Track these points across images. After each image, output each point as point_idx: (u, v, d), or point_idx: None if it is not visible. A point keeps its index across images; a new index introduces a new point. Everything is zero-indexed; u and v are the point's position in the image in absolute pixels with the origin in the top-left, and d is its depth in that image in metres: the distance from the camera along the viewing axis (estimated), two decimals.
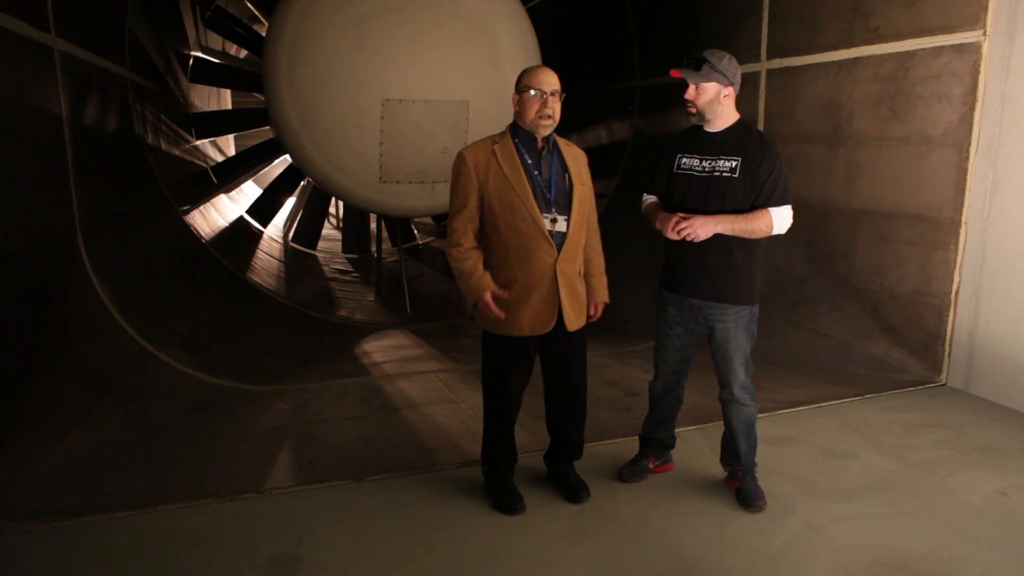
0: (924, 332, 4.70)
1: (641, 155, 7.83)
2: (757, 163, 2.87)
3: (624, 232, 5.83)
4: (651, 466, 3.36)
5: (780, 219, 2.89)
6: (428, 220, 9.83)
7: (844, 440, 3.76)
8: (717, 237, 2.87)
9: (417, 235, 9.85)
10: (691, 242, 2.87)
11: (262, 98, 6.47)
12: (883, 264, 4.95)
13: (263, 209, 7.76)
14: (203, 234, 6.67)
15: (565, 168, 2.95)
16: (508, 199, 2.85)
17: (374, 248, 8.35)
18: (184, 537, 2.84)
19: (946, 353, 4.57)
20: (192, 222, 6.52)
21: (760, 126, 5.81)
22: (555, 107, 2.86)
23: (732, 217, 2.86)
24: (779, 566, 2.67)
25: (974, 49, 4.30)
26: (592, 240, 3.10)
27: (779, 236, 2.98)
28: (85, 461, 3.42)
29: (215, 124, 8.29)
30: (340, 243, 9.04)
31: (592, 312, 3.10)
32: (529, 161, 2.90)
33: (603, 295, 3.12)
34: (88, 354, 4.10)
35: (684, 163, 3.01)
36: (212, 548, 2.77)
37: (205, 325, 5.49)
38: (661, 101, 7.55)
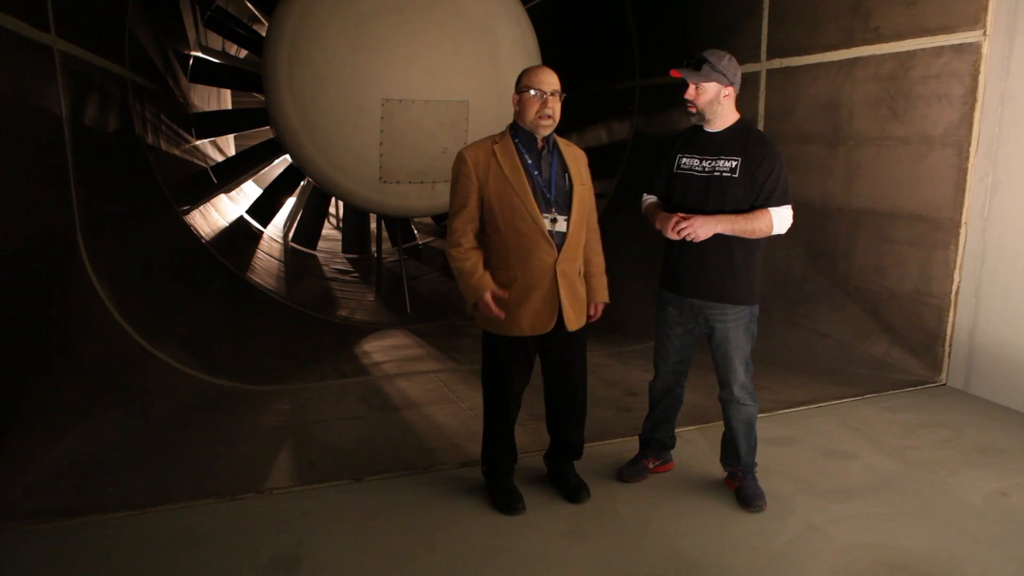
0: (924, 332, 4.70)
1: (641, 155, 7.83)
2: (757, 163, 2.87)
3: (624, 232, 5.83)
4: (651, 466, 3.36)
5: (780, 219, 2.89)
6: (428, 220, 9.84)
7: (844, 440, 3.76)
8: (717, 237, 2.87)
9: (417, 235, 9.85)
10: (691, 242, 2.87)
11: (262, 98, 6.47)
12: (883, 264, 4.95)
13: (263, 209, 7.76)
14: (203, 234, 6.67)
15: (565, 168, 2.95)
16: (508, 199, 2.85)
17: (374, 248, 8.35)
18: (184, 537, 2.84)
19: (946, 353, 4.57)
20: (192, 222, 6.52)
21: (760, 126, 5.81)
22: (555, 107, 2.86)
23: (732, 217, 2.86)
24: (779, 566, 2.67)
25: (974, 49, 4.30)
26: (592, 240, 3.10)
27: (779, 236, 2.98)
28: (85, 461, 3.42)
29: (215, 124, 8.29)
30: (340, 243, 9.04)
31: (592, 312, 3.10)
32: (529, 161, 2.90)
33: (603, 295, 3.12)
34: (88, 354, 4.10)
35: (684, 163, 3.01)
36: (212, 548, 2.77)
37: (205, 325, 5.49)
38: (661, 101, 7.55)
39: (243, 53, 9.44)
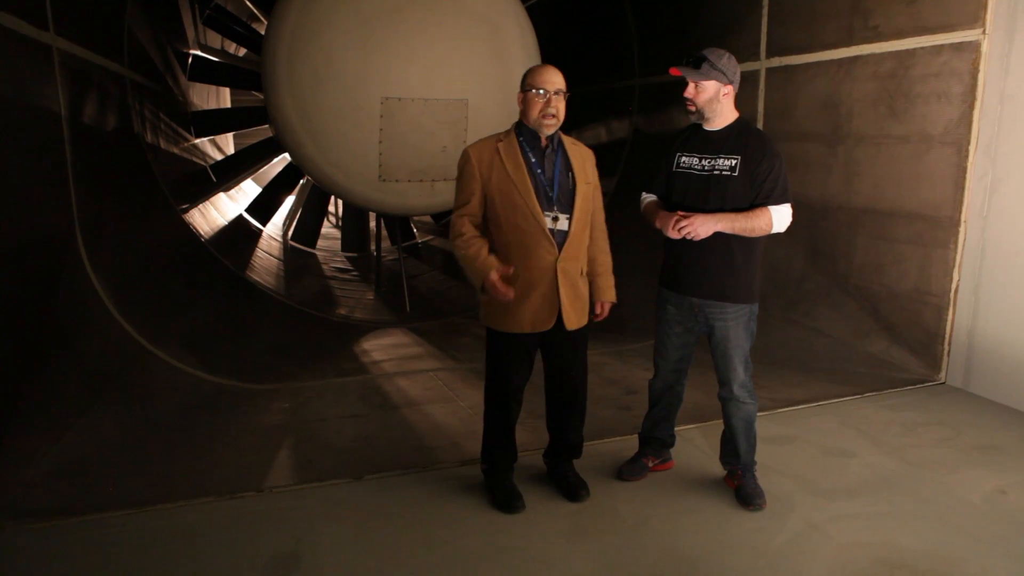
0: (923, 331, 4.70)
1: (641, 154, 7.83)
2: (757, 162, 2.87)
3: (624, 231, 5.82)
4: (650, 464, 3.36)
5: (780, 217, 2.89)
6: (427, 219, 9.84)
7: (843, 439, 3.76)
8: (717, 235, 2.87)
9: (416, 234, 9.85)
10: (691, 241, 2.87)
11: (261, 96, 6.46)
12: (882, 263, 4.95)
13: (262, 208, 7.76)
14: (202, 233, 6.67)
15: (569, 167, 2.96)
16: (510, 197, 2.86)
17: (373, 247, 8.35)
18: (184, 536, 2.84)
19: (945, 352, 4.57)
20: (191, 221, 6.51)
21: (759, 125, 5.81)
22: (559, 106, 2.87)
23: (732, 215, 2.86)
24: (778, 565, 2.67)
25: (973, 48, 4.30)
26: (599, 239, 3.10)
27: (778, 235, 2.98)
28: (85, 460, 3.42)
29: (214, 122, 8.28)
30: (339, 241, 9.05)
31: (599, 311, 3.10)
32: (533, 159, 2.90)
33: (610, 294, 3.11)
34: (87, 353, 4.10)
35: (683, 162, 3.01)
36: (211, 547, 2.77)
37: (204, 324, 5.49)
38: (661, 100, 7.55)
39: (242, 51, 9.43)
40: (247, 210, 7.90)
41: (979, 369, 4.40)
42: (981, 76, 4.28)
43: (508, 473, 3.16)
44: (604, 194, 3.18)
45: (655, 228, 3.01)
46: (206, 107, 8.80)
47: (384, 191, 6.03)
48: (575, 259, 2.95)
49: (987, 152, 4.30)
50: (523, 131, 2.94)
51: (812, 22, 5.36)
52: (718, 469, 3.34)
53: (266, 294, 6.71)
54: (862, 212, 5.08)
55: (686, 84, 2.92)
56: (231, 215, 8.30)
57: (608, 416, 4.14)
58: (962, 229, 4.45)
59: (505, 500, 3.05)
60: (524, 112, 2.92)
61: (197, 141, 7.97)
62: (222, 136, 10.62)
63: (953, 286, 4.52)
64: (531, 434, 3.64)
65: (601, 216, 3.11)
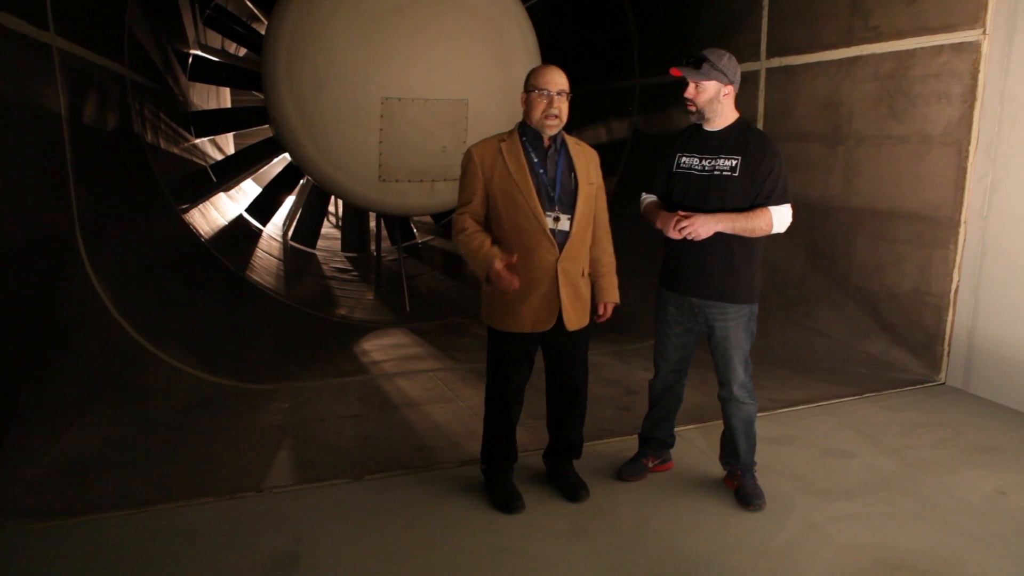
0: (923, 331, 4.70)
1: (641, 154, 7.83)
2: (757, 162, 2.87)
3: (623, 231, 5.83)
4: (650, 465, 3.36)
5: (780, 218, 2.89)
6: (427, 219, 9.84)
7: (843, 439, 3.76)
8: (717, 236, 2.87)
9: (416, 234, 9.85)
10: (691, 241, 2.87)
11: (261, 96, 6.46)
12: (882, 263, 4.95)
13: (262, 208, 7.76)
14: (202, 233, 6.67)
15: (571, 167, 2.96)
16: (512, 196, 2.87)
17: (373, 247, 8.35)
18: (183, 535, 2.84)
19: (945, 352, 4.57)
20: (191, 221, 6.51)
21: (760, 125, 5.81)
22: (562, 107, 2.87)
23: (732, 216, 2.86)
24: (778, 565, 2.67)
25: (974, 48, 4.30)
26: (602, 239, 3.10)
27: (778, 235, 2.98)
28: (84, 460, 3.42)
29: (214, 122, 8.28)
30: (339, 242, 9.05)
31: (601, 312, 3.10)
32: (535, 160, 2.91)
33: (612, 295, 3.11)
34: (87, 352, 4.10)
35: (684, 162, 3.01)
36: (211, 546, 2.77)
37: (204, 324, 5.49)
38: (661, 100, 7.55)
39: (242, 51, 9.43)
40: (247, 210, 7.90)
41: (979, 370, 4.40)
42: (981, 76, 4.28)
43: (508, 473, 3.17)
44: (605, 193, 3.17)
45: (655, 228, 3.01)
46: (206, 107, 8.81)
47: (384, 191, 6.03)
48: (576, 259, 2.95)
49: (987, 153, 4.30)
50: (526, 131, 2.95)
51: (812, 22, 5.36)
52: (718, 469, 3.34)
53: (266, 294, 6.71)
54: (862, 212, 5.08)
55: (686, 84, 2.92)
56: (231, 215, 8.31)
57: (608, 416, 4.14)
58: (962, 229, 4.45)
59: (505, 500, 3.05)
60: (527, 112, 2.92)
61: (197, 141, 7.97)
62: (222, 136, 10.62)
63: (953, 286, 4.52)
64: (531, 434, 3.64)
65: (605, 217, 3.11)
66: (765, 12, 5.77)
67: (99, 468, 3.37)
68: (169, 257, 5.85)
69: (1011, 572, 2.64)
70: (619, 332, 5.59)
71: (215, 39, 9.20)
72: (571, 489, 3.14)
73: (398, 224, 7.97)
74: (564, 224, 2.90)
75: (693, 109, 2.95)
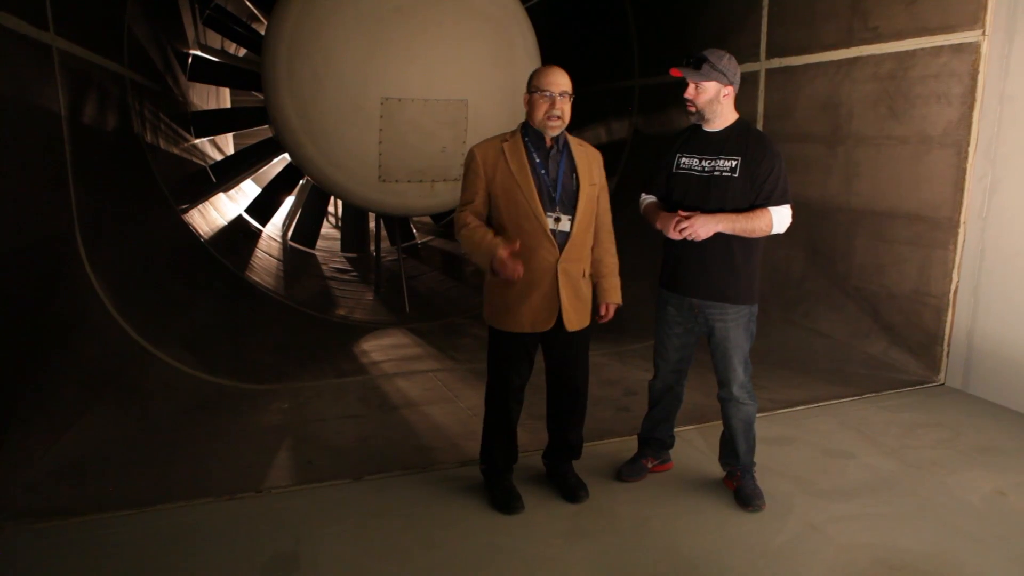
0: (923, 332, 4.70)
1: (640, 154, 7.83)
2: (757, 162, 2.87)
3: (623, 231, 5.83)
4: (650, 465, 3.36)
5: (780, 218, 2.90)
6: (427, 219, 9.84)
7: (843, 440, 3.76)
8: (717, 236, 2.87)
9: (416, 234, 9.85)
10: (691, 241, 2.87)
11: (261, 97, 6.47)
12: (882, 264, 4.95)
13: (262, 208, 7.76)
14: (202, 233, 6.67)
15: (573, 168, 2.96)
16: (513, 196, 2.87)
17: (373, 247, 8.35)
18: (183, 536, 2.84)
19: (944, 353, 4.58)
20: (191, 221, 6.51)
21: (759, 125, 5.81)
22: (564, 108, 2.87)
23: (732, 216, 2.86)
24: (778, 565, 2.67)
25: (973, 49, 4.30)
26: (605, 240, 3.10)
27: (778, 236, 2.98)
28: (84, 460, 3.42)
29: (214, 123, 8.28)
30: (339, 242, 9.03)
31: (603, 312, 3.10)
32: (537, 160, 2.91)
33: (614, 296, 3.10)
34: (87, 353, 4.10)
35: (683, 163, 3.01)
36: (211, 547, 2.77)
37: (204, 324, 5.49)
38: (660, 100, 7.55)
39: (242, 52, 9.43)
40: (247, 210, 7.90)
41: (978, 370, 4.40)
42: (981, 77, 4.28)
43: (507, 474, 3.17)
44: None
45: (655, 229, 3.01)
46: (206, 107, 8.81)
47: (384, 191, 6.03)
48: (577, 260, 2.95)
49: (987, 153, 4.30)
50: (528, 132, 2.96)
51: (812, 23, 5.36)
52: (717, 470, 3.34)
53: (266, 294, 6.71)
54: (862, 213, 5.08)
55: (686, 85, 2.92)
56: (231, 215, 8.30)
57: (607, 417, 4.14)
58: (961, 230, 4.45)
59: (504, 501, 3.05)
60: (529, 113, 2.93)
61: (197, 141, 7.97)
62: (222, 136, 10.62)
63: (952, 287, 4.52)
64: (531, 435, 3.64)
65: (608, 218, 3.11)
66: (765, 12, 5.77)
67: (99, 468, 3.37)
68: (169, 257, 5.85)
69: (1011, 573, 2.64)
70: (619, 333, 5.60)
71: (215, 39, 9.20)
72: (571, 490, 3.14)
73: (398, 224, 7.97)
74: (565, 225, 2.90)
75: (693, 110, 2.95)
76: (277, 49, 5.61)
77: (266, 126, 6.84)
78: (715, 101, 2.90)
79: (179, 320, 5.22)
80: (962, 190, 4.42)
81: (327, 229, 9.72)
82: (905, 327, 4.82)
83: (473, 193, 2.93)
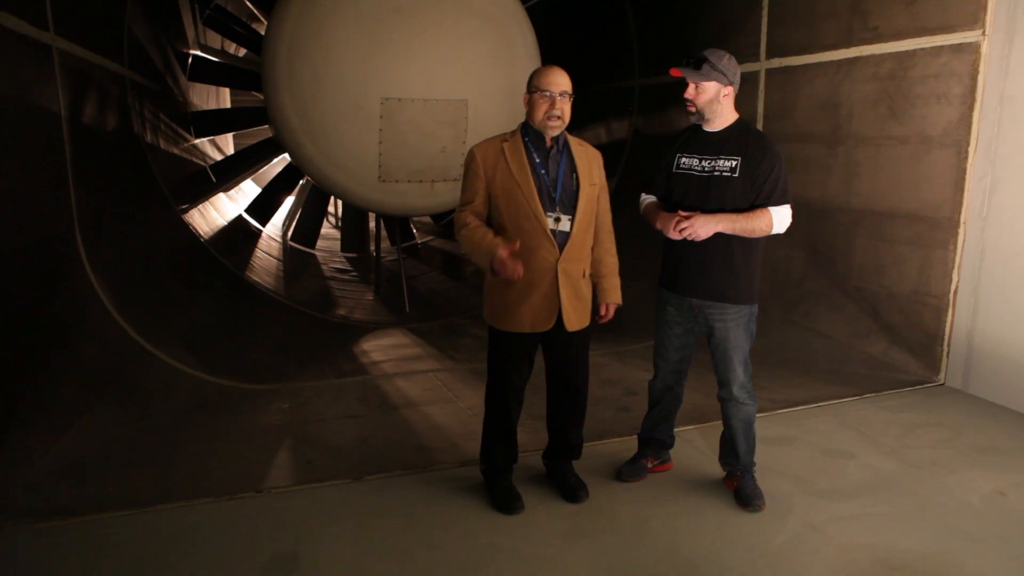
0: (923, 332, 4.70)
1: (640, 155, 7.83)
2: (757, 162, 2.87)
3: (623, 231, 5.83)
4: (650, 465, 3.36)
5: (780, 218, 2.90)
6: (427, 219, 9.84)
7: (843, 440, 3.76)
8: (717, 236, 2.87)
9: (416, 234, 9.85)
10: (691, 242, 2.87)
11: (261, 97, 6.47)
12: (882, 264, 4.95)
13: (262, 208, 7.76)
14: (202, 233, 6.67)
15: (573, 168, 2.96)
16: (513, 196, 2.87)
17: (373, 247, 8.35)
18: (183, 536, 2.84)
19: (945, 353, 4.58)
20: (191, 221, 6.51)
21: (759, 125, 5.81)
22: (564, 108, 2.87)
23: (733, 216, 2.86)
24: (778, 566, 2.67)
25: (973, 49, 4.30)
26: (605, 240, 3.10)
27: (778, 236, 2.98)
28: (84, 460, 3.42)
29: (214, 123, 8.28)
30: (339, 242, 9.04)
31: (603, 313, 3.10)
32: (537, 160, 2.92)
33: (614, 296, 3.10)
34: (87, 353, 4.10)
35: (683, 163, 3.01)
36: (211, 547, 2.77)
37: (204, 324, 5.49)
38: (660, 100, 7.55)
39: (242, 52, 9.43)
40: (247, 210, 7.90)
41: (978, 370, 4.40)
42: (981, 77, 4.28)
43: (507, 474, 3.17)
44: None
45: (655, 229, 3.01)
46: (206, 107, 8.81)
47: (384, 191, 6.03)
48: (577, 260, 2.96)
49: (987, 153, 4.30)
50: (529, 132, 2.96)
51: (812, 23, 5.36)
52: (717, 470, 3.34)
53: (266, 294, 6.71)
54: (862, 213, 5.08)
55: (686, 85, 2.92)
56: (231, 215, 8.30)
57: (607, 417, 4.14)
58: (961, 230, 4.45)
59: (504, 501, 3.05)
60: (529, 113, 2.93)
61: (197, 141, 7.97)
62: (222, 136, 10.62)
63: (952, 287, 4.52)
64: (531, 435, 3.64)
65: (608, 218, 3.11)
66: (765, 13, 5.77)
67: (99, 468, 3.37)
68: (169, 257, 5.85)
69: (1011, 573, 2.64)
70: (619, 333, 5.60)
71: (215, 39, 9.20)
72: (570, 490, 3.14)
73: (398, 224, 7.97)
74: (565, 225, 2.90)
75: (693, 110, 2.95)
76: (277, 49, 5.61)
77: (266, 126, 6.84)
78: (715, 101, 2.90)
79: (179, 320, 5.22)
80: (962, 190, 4.42)
81: (327, 229, 9.72)
82: (905, 327, 4.82)
83: (473, 193, 2.93)
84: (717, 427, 3.32)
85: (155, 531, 2.87)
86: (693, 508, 3.09)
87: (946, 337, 4.56)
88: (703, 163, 2.95)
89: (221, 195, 8.44)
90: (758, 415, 3.17)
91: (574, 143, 3.01)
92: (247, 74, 7.52)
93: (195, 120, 7.75)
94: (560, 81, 2.87)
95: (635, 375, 4.87)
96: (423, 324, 6.76)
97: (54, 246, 4.02)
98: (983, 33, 4.25)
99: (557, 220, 2.89)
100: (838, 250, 5.29)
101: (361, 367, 5.40)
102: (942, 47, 4.46)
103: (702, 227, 2.83)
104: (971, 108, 4.34)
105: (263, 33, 6.13)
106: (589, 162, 3.01)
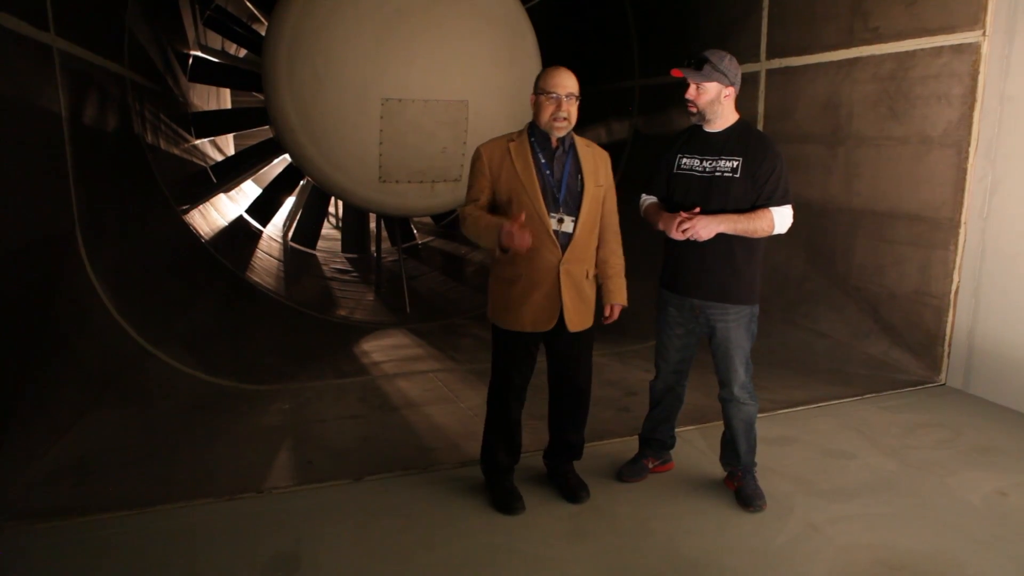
0: (923, 332, 4.70)
1: (640, 155, 7.83)
2: (758, 163, 2.87)
3: (622, 232, 5.84)
4: (651, 466, 3.36)
5: (781, 219, 2.90)
6: (428, 220, 9.84)
7: (843, 440, 3.76)
8: (718, 237, 2.87)
9: (416, 235, 9.85)
10: (692, 242, 2.87)
11: (261, 97, 6.47)
12: (882, 264, 4.95)
13: (262, 208, 7.76)
14: (202, 233, 6.67)
15: (579, 169, 2.96)
16: (517, 196, 2.88)
17: (373, 247, 8.35)
18: (183, 536, 2.84)
19: (945, 353, 4.57)
20: (191, 221, 6.52)
21: (760, 126, 5.81)
22: (570, 109, 2.88)
23: (734, 216, 2.86)
24: (778, 566, 2.67)
25: (973, 49, 4.30)
26: (610, 241, 3.09)
27: (779, 236, 2.98)
28: (84, 460, 3.42)
29: (214, 123, 8.29)
30: (339, 242, 9.05)
31: (608, 313, 3.09)
32: (543, 160, 2.92)
33: (619, 297, 3.10)
34: (87, 353, 4.10)
35: (684, 163, 3.01)
36: (211, 547, 2.77)
37: (204, 325, 5.49)
38: (661, 101, 7.55)
39: (243, 52, 9.44)
40: (247, 211, 7.90)
41: (979, 370, 4.40)
42: (981, 78, 4.28)
43: (508, 474, 3.16)
44: None
45: (656, 230, 3.01)
46: (206, 108, 8.81)
47: (384, 192, 6.03)
48: (580, 261, 2.95)
49: (987, 154, 4.30)
50: (535, 132, 2.96)
51: (812, 23, 5.36)
52: (718, 470, 3.34)
53: (266, 295, 6.71)
54: (862, 213, 5.08)
55: (687, 85, 2.92)
56: (231, 216, 8.31)
57: (608, 417, 4.14)
58: (962, 231, 4.45)
59: (505, 501, 3.05)
60: (536, 114, 2.93)
61: (197, 142, 7.97)
62: (222, 137, 10.63)
63: (953, 287, 4.52)
64: (531, 435, 3.63)
65: (614, 219, 3.10)
66: (765, 13, 5.77)
67: (99, 468, 3.37)
68: (169, 258, 5.85)
69: (1011, 573, 2.64)
70: (620, 333, 5.59)
71: (215, 40, 9.21)
72: (571, 490, 3.14)
73: (398, 225, 7.97)
74: (568, 226, 2.90)
75: (694, 110, 2.95)
76: (277, 50, 5.61)
77: (266, 127, 6.84)
78: (716, 102, 2.90)
79: (179, 320, 5.22)
80: (962, 190, 4.42)
81: (328, 230, 9.73)
82: (906, 327, 4.81)
83: (479, 191, 2.93)
84: (718, 427, 3.31)
85: (155, 531, 2.87)
86: (694, 508, 3.08)
87: (947, 337, 4.56)
88: (704, 164, 2.95)
89: (222, 196, 8.44)
90: (759, 415, 3.17)
91: (581, 144, 3.01)
92: (247, 75, 7.52)
93: (195, 121, 7.75)
94: (567, 83, 2.87)
95: (636, 375, 4.87)
96: (424, 324, 6.76)
97: (55, 247, 4.03)
98: (983, 33, 4.25)
99: (560, 221, 2.89)
100: (839, 250, 5.28)
101: (362, 367, 5.40)
102: (942, 47, 4.46)
103: (704, 227, 2.83)
104: (971, 108, 4.34)
105: (263, 34, 6.13)
106: (596, 163, 3.00)
